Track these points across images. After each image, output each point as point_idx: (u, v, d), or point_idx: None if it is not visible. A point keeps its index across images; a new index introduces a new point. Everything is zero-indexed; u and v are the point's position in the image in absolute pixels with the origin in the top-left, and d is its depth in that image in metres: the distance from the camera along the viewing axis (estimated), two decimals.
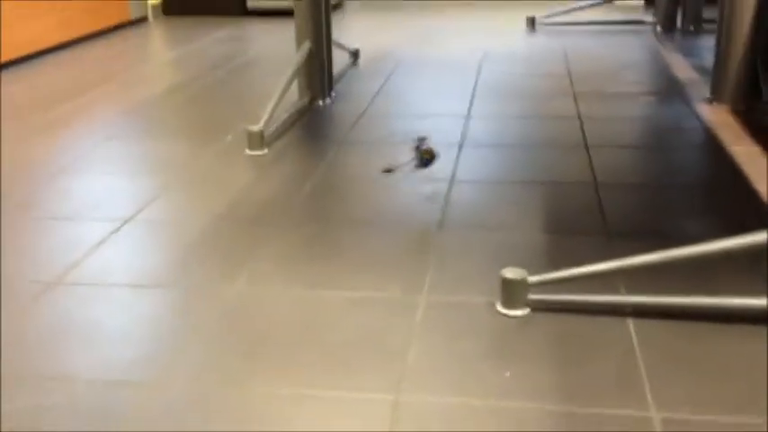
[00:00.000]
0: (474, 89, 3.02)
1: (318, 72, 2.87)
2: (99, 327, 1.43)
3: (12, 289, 1.57)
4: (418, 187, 2.06)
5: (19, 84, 3.25)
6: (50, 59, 3.71)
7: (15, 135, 2.56)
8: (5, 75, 3.41)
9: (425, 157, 2.19)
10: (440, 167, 2.19)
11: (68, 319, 1.45)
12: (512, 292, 1.45)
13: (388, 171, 2.12)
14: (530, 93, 2.97)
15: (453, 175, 2.13)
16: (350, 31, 4.31)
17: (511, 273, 1.45)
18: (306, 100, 2.85)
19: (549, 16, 4.36)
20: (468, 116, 2.68)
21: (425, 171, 2.16)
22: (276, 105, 2.53)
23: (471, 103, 2.83)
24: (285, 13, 4.78)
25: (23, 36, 3.64)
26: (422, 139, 2.25)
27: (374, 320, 1.43)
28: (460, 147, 2.37)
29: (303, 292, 1.53)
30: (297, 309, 1.48)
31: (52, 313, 1.48)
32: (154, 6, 4.83)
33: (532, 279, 1.45)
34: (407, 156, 2.22)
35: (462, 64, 3.45)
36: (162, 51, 3.89)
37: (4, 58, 3.51)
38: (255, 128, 2.38)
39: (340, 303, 1.49)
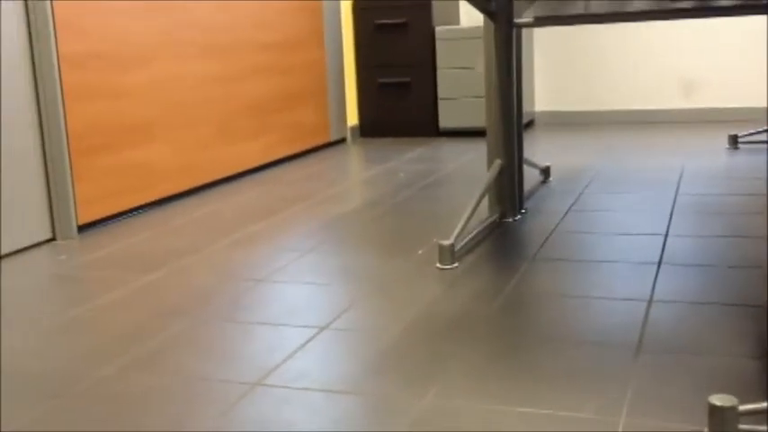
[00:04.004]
0: (672, 207, 2.92)
1: (509, 189, 2.90)
2: (294, 430, 1.47)
3: (216, 389, 1.65)
4: (615, 306, 1.99)
5: (226, 201, 3.52)
6: (255, 178, 4.01)
7: (221, 247, 2.76)
8: (214, 192, 3.71)
9: None
10: (638, 287, 2.11)
11: (266, 420, 1.51)
12: (721, 421, 1.34)
13: None
14: (732, 211, 2.83)
15: (652, 296, 2.04)
16: (541, 148, 4.34)
17: (720, 400, 1.35)
18: (496, 216, 2.87)
19: (752, 134, 4.18)
20: (666, 234, 2.58)
21: (623, 291, 2.09)
22: (467, 221, 2.56)
23: (670, 222, 2.73)
24: (476, 133, 4.92)
25: (232, 158, 3.97)
26: None
27: None
28: (659, 266, 2.27)
29: (494, 408, 1.50)
30: (488, 425, 1.44)
31: (252, 412, 1.54)
32: (352, 129, 5.13)
33: (744, 408, 1.34)
34: None
35: (659, 182, 3.36)
36: (358, 170, 4.09)
37: (212, 178, 3.83)
38: (446, 242, 2.42)
39: (532, 421, 1.44)
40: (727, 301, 1.98)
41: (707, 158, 3.84)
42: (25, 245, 2.86)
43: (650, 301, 2.00)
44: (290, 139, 4.46)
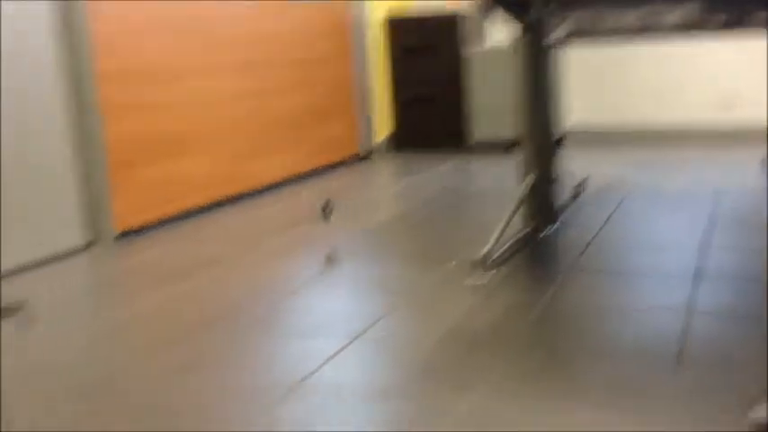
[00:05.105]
0: (709, 221, 2.88)
1: (543, 202, 2.87)
2: None
3: (251, 397, 1.64)
4: (653, 319, 1.95)
5: (257, 212, 3.53)
6: (286, 191, 4.01)
7: (254, 257, 2.76)
8: (245, 204, 3.72)
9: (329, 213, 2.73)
10: (677, 300, 2.07)
11: (300, 427, 1.49)
12: None
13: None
14: None
15: (691, 308, 2.00)
16: (575, 162, 4.31)
17: (762, 413, 1.31)
18: (530, 229, 2.84)
19: None
20: (703, 248, 2.54)
21: (662, 303, 2.05)
22: (501, 233, 2.54)
23: (707, 235, 2.68)
24: (506, 147, 4.89)
25: (263, 170, 3.98)
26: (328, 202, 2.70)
27: None
28: (697, 279, 2.23)
29: (530, 420, 1.47)
30: None
31: (286, 419, 1.52)
32: (382, 142, 5.13)
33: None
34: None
35: (695, 197, 3.31)
36: (388, 183, 4.08)
37: (243, 189, 3.84)
38: (480, 254, 2.39)
39: None
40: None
41: (744, 174, 3.78)
42: (65, 251, 2.88)
43: (689, 314, 1.96)
44: (319, 152, 4.47)
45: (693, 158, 4.31)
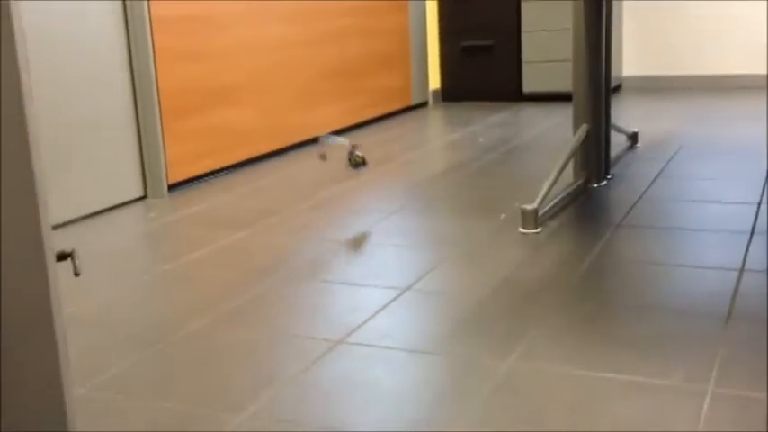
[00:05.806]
0: (766, 175, 2.82)
1: (595, 154, 2.84)
2: (377, 387, 1.50)
3: (301, 345, 1.69)
4: (704, 275, 1.94)
5: (309, 162, 3.57)
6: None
7: (305, 208, 2.80)
8: (297, 154, 3.76)
9: (357, 161, 2.52)
10: (729, 256, 2.05)
11: (350, 377, 1.54)
12: None
13: (323, 158, 2.63)
14: None
15: (743, 265, 1.99)
16: (628, 113, 4.24)
17: None
18: (581, 181, 2.82)
19: None
20: (759, 203, 2.50)
21: (713, 259, 2.04)
22: (551, 186, 2.53)
23: (763, 190, 2.64)
24: (560, 98, 4.82)
25: (315, 120, 4.00)
26: (354, 147, 2.61)
27: (653, 408, 1.35)
28: (751, 235, 2.20)
29: (578, 373, 1.50)
30: (570, 389, 1.44)
31: (336, 369, 1.57)
32: (434, 93, 5.10)
33: None
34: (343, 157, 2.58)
35: (751, 149, 3.24)
36: (440, 134, 4.08)
37: (298, 140, 3.88)
38: (530, 207, 2.39)
39: (616, 387, 1.43)
40: None
41: None
42: (119, 202, 2.97)
43: (741, 271, 1.95)
44: (371, 102, 4.47)
45: (749, 109, 4.20)
